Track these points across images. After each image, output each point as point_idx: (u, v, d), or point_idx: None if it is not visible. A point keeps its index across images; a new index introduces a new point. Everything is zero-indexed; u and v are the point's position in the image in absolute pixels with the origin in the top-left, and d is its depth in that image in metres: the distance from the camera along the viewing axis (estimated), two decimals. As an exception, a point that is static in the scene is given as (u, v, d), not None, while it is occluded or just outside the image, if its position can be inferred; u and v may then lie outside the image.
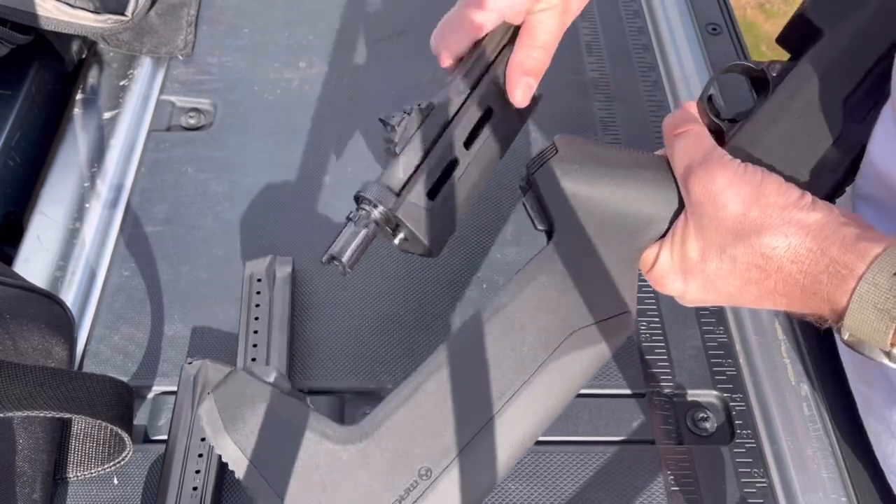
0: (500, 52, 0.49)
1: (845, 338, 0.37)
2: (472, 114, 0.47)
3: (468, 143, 0.47)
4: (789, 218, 0.38)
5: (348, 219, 0.45)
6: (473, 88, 0.47)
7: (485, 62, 0.48)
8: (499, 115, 0.48)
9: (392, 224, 0.45)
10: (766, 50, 1.91)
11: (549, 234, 0.44)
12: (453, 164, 0.46)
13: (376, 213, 0.44)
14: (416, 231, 0.45)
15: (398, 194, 0.44)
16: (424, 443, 0.38)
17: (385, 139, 0.47)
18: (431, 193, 0.45)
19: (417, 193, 0.45)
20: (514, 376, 0.39)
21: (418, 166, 0.45)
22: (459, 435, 0.38)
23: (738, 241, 0.39)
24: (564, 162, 0.43)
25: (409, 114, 0.46)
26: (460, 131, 0.46)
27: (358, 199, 0.45)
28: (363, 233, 0.44)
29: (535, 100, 0.49)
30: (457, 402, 0.38)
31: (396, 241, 0.46)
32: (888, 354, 0.36)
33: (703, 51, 0.77)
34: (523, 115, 0.49)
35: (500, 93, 0.48)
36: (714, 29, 0.79)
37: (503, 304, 0.41)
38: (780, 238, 0.38)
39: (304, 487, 0.36)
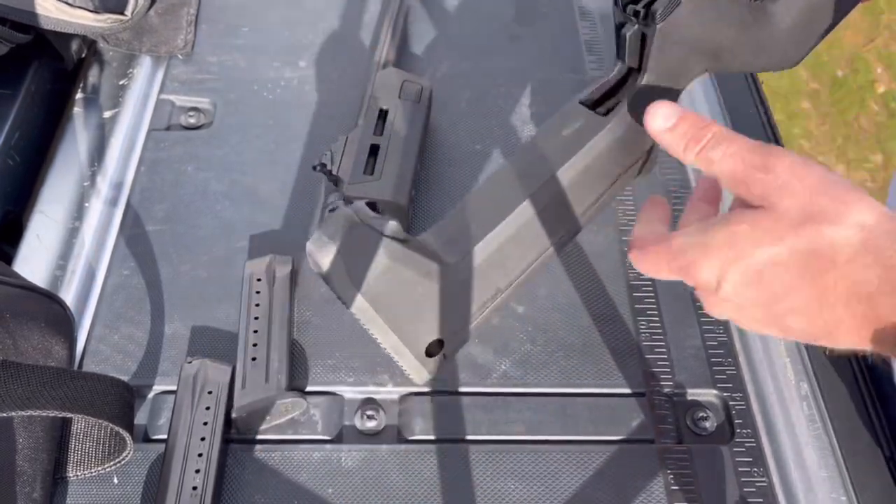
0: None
1: None
2: (372, 115, 0.62)
3: (379, 132, 0.61)
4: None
5: None
6: (368, 102, 0.63)
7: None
8: (393, 109, 0.62)
9: None
10: (765, 49, 1.91)
11: (626, 75, 0.45)
12: (375, 148, 0.60)
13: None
14: (366, 196, 0.56)
15: (344, 189, 0.57)
16: (502, 268, 0.45)
17: (325, 175, 0.59)
18: (366, 171, 0.59)
19: (356, 176, 0.58)
20: (575, 213, 0.46)
21: (350, 165, 0.59)
22: (527, 259, 0.46)
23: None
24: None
25: (332, 150, 0.60)
26: (368, 128, 0.61)
27: (330, 212, 0.56)
28: None
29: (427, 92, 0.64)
30: (527, 237, 0.45)
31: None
32: None
33: (703, 50, 0.77)
34: (421, 104, 0.64)
35: (393, 94, 0.63)
36: (714, 28, 0.79)
37: (574, 143, 0.44)
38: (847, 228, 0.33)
39: (410, 317, 0.44)
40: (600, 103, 0.46)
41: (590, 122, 0.45)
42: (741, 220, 0.36)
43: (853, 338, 0.34)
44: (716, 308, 0.38)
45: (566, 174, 0.45)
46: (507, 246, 0.45)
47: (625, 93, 0.45)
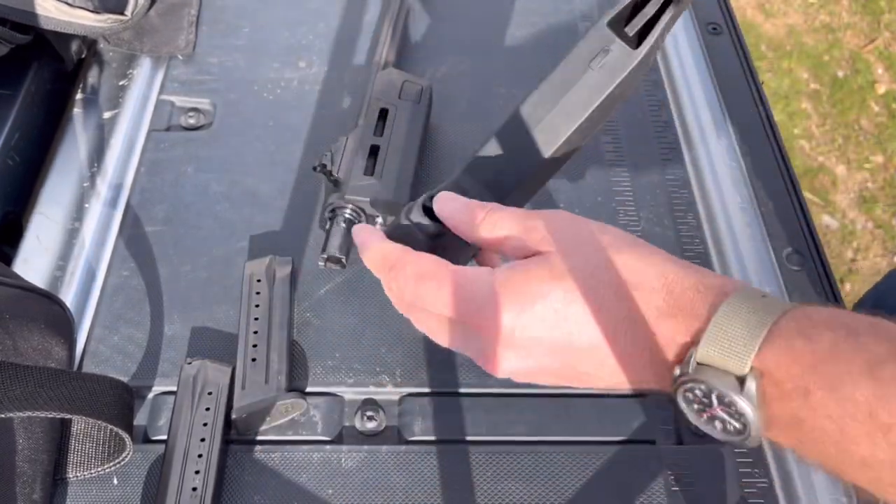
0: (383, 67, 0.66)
1: (689, 369, 0.34)
2: (372, 115, 0.62)
3: (379, 132, 0.61)
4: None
5: (326, 230, 0.57)
6: (368, 102, 0.63)
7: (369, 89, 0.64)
8: (394, 110, 0.62)
9: (362, 214, 0.57)
10: (765, 49, 1.91)
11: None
12: (375, 148, 0.60)
13: (344, 212, 0.57)
14: (367, 198, 0.57)
15: (345, 191, 0.58)
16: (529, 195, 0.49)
17: (325, 175, 0.59)
18: (367, 172, 0.58)
19: (356, 177, 0.58)
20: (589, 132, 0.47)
21: (351, 166, 0.59)
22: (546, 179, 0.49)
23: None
24: None
25: (332, 151, 0.60)
26: (368, 129, 0.61)
27: (331, 213, 0.58)
28: (343, 228, 0.56)
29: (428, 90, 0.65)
30: (551, 167, 0.47)
31: (378, 225, 0.58)
32: (741, 383, 0.33)
33: (704, 51, 0.77)
34: (421, 104, 0.64)
35: (394, 94, 0.63)
36: (714, 29, 0.79)
37: (605, 79, 0.45)
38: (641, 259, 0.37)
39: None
40: (628, 22, 0.44)
41: (620, 54, 0.44)
42: (532, 263, 0.38)
43: (642, 372, 0.37)
44: (504, 360, 0.39)
45: (595, 109, 0.45)
46: (535, 181, 0.48)
47: (652, 12, 0.43)
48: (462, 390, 0.54)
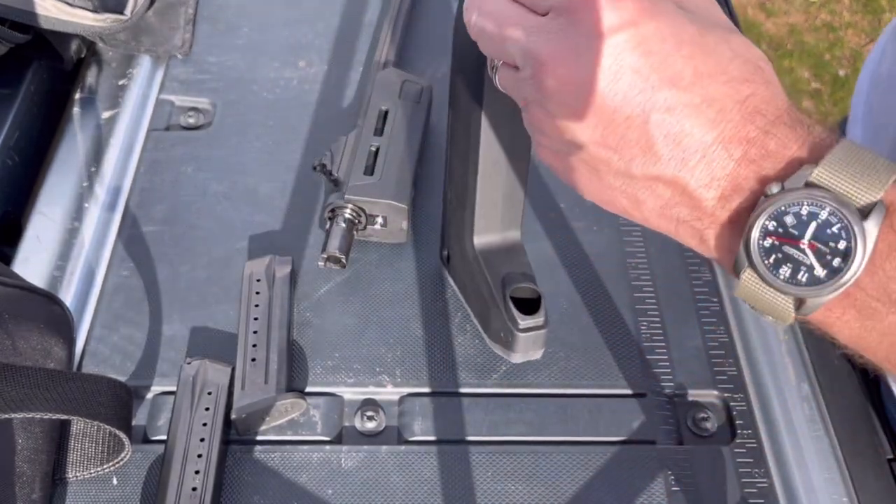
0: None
1: (796, 185, 0.29)
2: (372, 115, 0.62)
3: (379, 132, 0.61)
4: None
5: (326, 230, 0.57)
6: (368, 102, 0.63)
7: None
8: (394, 110, 0.62)
9: (362, 214, 0.58)
10: (766, 48, 1.91)
11: None
12: (375, 148, 0.60)
13: (344, 212, 0.57)
14: (367, 198, 0.57)
15: (345, 191, 0.58)
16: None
17: (325, 175, 0.60)
18: (367, 172, 0.58)
19: (356, 177, 0.58)
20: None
21: (350, 165, 0.59)
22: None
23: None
24: None
25: (332, 150, 0.60)
26: (368, 128, 0.61)
27: (330, 213, 0.58)
28: (342, 228, 0.56)
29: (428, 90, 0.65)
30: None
31: (377, 225, 0.59)
32: (862, 214, 0.28)
33: (704, 50, 0.77)
34: (421, 104, 0.64)
35: (394, 94, 0.63)
36: (715, 28, 0.79)
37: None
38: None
39: None
40: None
41: None
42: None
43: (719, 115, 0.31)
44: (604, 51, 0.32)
45: None
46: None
47: None
48: (462, 390, 0.54)
